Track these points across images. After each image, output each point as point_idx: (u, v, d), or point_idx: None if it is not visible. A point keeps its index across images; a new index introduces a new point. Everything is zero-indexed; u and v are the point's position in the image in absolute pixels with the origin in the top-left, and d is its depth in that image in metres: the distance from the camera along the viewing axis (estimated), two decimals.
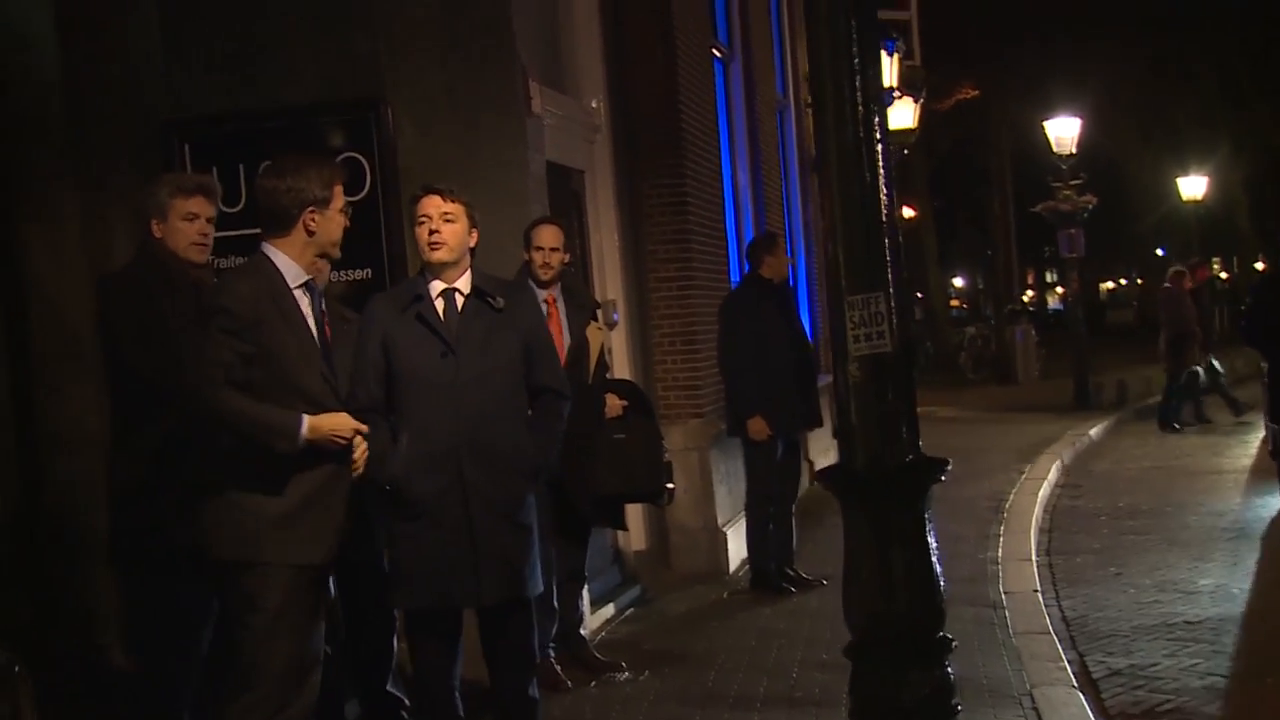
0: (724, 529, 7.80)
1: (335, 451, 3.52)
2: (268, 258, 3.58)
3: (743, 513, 7.43)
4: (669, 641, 6.17)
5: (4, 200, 5.21)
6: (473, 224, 4.04)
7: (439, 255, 3.99)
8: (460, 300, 4.02)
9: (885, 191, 3.13)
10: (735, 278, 8.52)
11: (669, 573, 7.59)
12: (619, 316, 7.47)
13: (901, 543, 3.12)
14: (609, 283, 7.48)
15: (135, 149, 5.40)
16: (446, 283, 4.03)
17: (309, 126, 5.40)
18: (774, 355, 6.88)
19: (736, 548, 7.78)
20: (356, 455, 3.54)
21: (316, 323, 3.62)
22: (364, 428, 3.55)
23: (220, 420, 3.45)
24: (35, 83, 5.25)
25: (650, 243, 7.68)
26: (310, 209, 3.56)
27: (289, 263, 3.58)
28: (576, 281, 5.80)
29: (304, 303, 3.59)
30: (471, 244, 4.03)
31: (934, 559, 3.18)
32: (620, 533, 7.17)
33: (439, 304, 4.01)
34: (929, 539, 3.18)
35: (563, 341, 5.35)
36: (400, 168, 5.42)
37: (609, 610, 6.69)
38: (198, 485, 3.61)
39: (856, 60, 3.11)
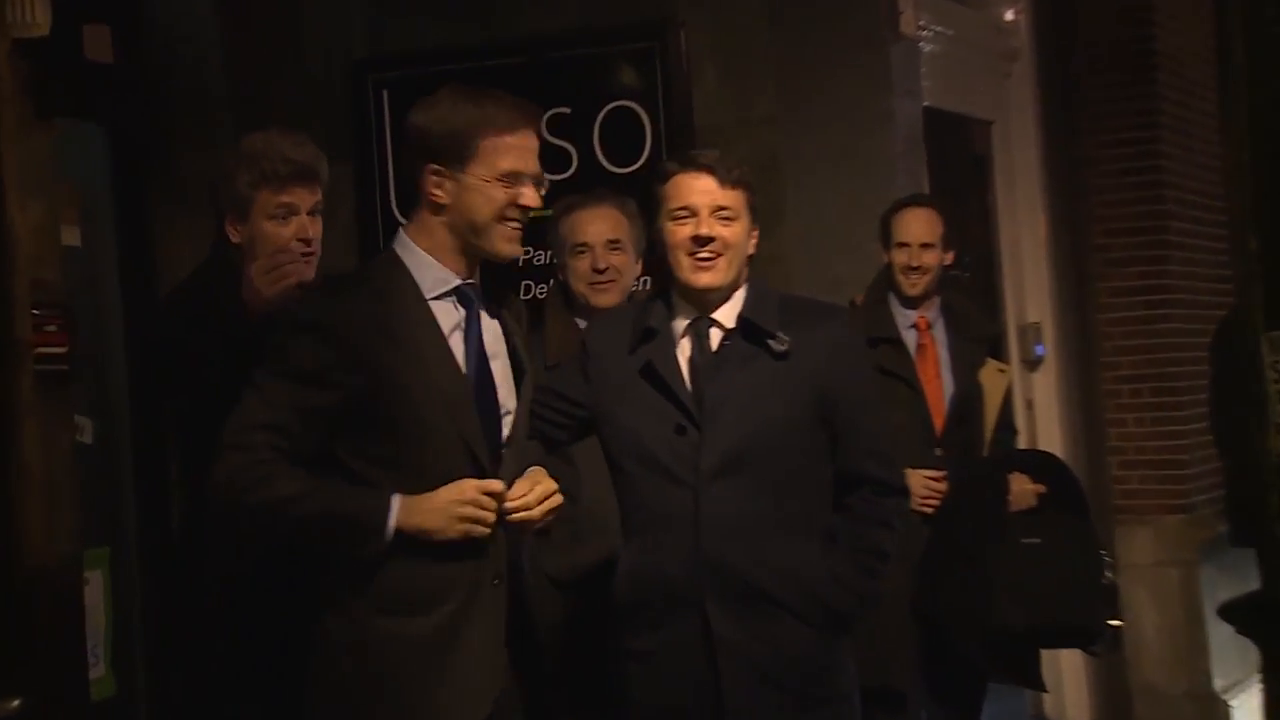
0: (1225, 696, 7.56)
1: (475, 547, 3.40)
2: (396, 256, 3.53)
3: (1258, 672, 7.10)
4: None
5: (141, 172, 5.69)
6: (754, 219, 3.90)
7: (708, 279, 3.83)
8: (717, 339, 3.86)
9: None
10: None
11: None
12: (1045, 350, 7.41)
13: None
14: (1029, 297, 7.47)
15: (320, 103, 5.77)
16: (701, 310, 3.88)
17: (558, 65, 5.59)
18: None
19: None
20: (512, 506, 3.42)
21: (477, 357, 3.50)
22: (496, 485, 3.40)
23: (258, 515, 3.39)
24: (187, 37, 5.71)
25: (1100, 234, 7.59)
26: (432, 165, 3.46)
27: (425, 260, 3.49)
28: (964, 298, 5.73)
29: (447, 320, 3.48)
30: (749, 250, 3.89)
31: None
32: (1052, 699, 7.15)
33: (683, 345, 3.86)
34: None
35: (941, 389, 5.34)
36: (697, 125, 5.53)
37: None
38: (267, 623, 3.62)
39: None
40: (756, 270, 3.96)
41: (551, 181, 5.32)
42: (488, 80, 5.44)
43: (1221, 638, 7.44)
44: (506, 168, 3.45)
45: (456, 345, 3.47)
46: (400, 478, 3.38)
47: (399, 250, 3.51)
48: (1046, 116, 7.51)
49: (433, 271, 3.47)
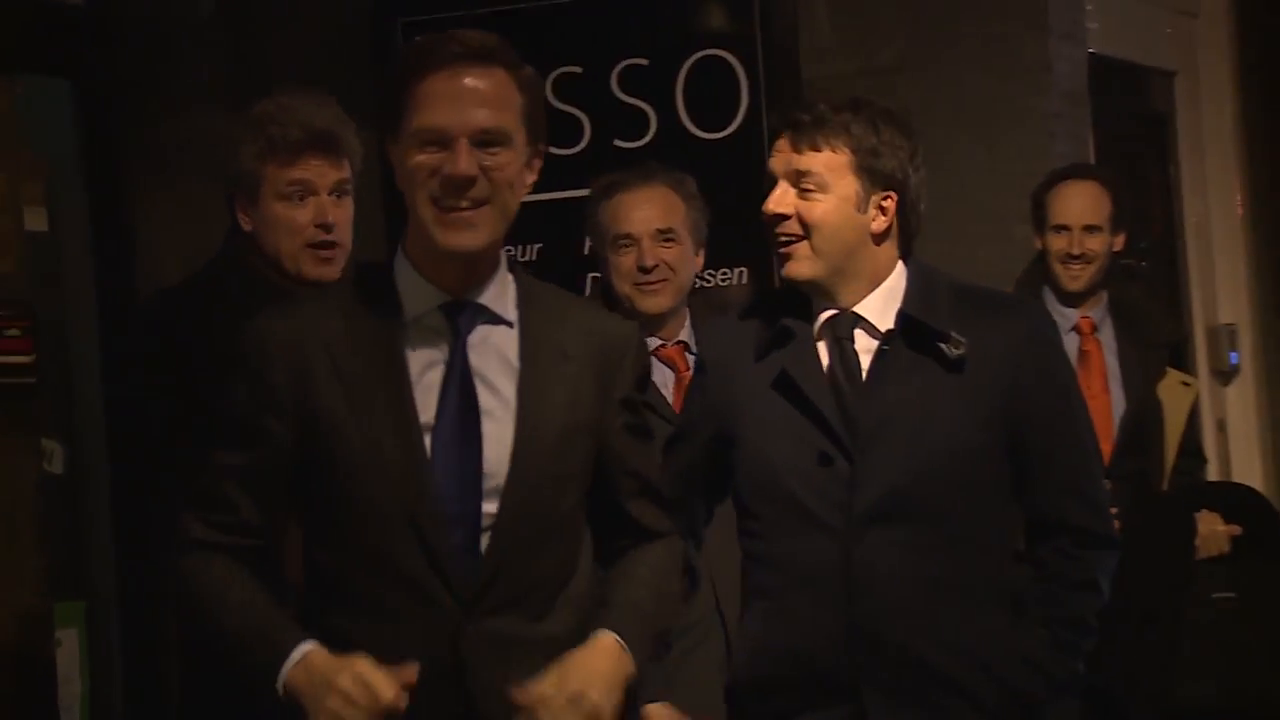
0: None
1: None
2: (388, 264, 3.27)
3: None
4: None
5: (118, 141, 5.78)
6: (871, 184, 3.66)
7: (791, 269, 3.68)
8: (870, 342, 3.71)
9: None
10: None
11: None
12: (1240, 358, 7.43)
13: None
14: (1222, 292, 7.50)
15: (337, 54, 5.86)
16: (841, 304, 3.72)
17: (632, 4, 5.67)
18: None
19: None
20: None
21: (454, 399, 3.17)
22: (384, 687, 2.99)
23: (185, 609, 3.36)
24: None
25: None
26: (388, 140, 3.18)
27: (407, 270, 3.22)
28: (1140, 294, 5.80)
29: (424, 354, 3.19)
30: (874, 229, 3.67)
31: None
32: None
33: (823, 349, 3.72)
34: None
35: (1109, 406, 5.35)
36: (805, 77, 5.59)
37: None
38: None
39: None
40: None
41: (627, 150, 5.60)
42: (546, 23, 5.65)
43: None
44: (420, 124, 3.08)
45: (428, 388, 3.16)
46: (340, 561, 3.19)
47: (396, 256, 3.25)
48: (1244, 65, 7.50)
49: (415, 285, 3.19)
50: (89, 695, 5.29)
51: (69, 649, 5.15)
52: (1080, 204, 5.33)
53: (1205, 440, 6.88)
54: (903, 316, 3.66)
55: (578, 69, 5.67)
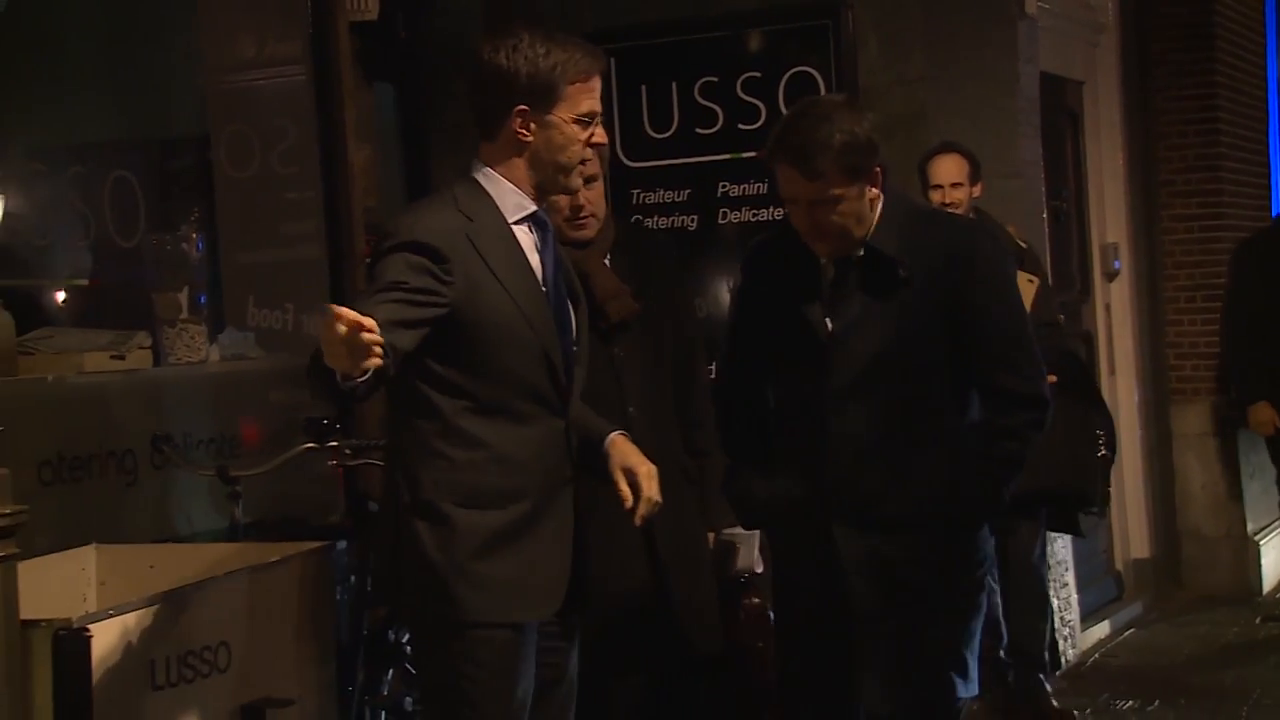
0: (1256, 538, 7.66)
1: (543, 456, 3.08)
2: (476, 183, 3.10)
3: None
4: (1181, 671, 6.23)
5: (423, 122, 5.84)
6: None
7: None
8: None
9: None
10: None
11: (1180, 591, 7.59)
12: (1121, 264, 7.45)
13: None
14: (1110, 222, 7.47)
15: None
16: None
17: (751, 38, 5.73)
18: None
19: (1275, 562, 7.65)
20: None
21: (554, 278, 3.15)
22: (344, 325, 2.61)
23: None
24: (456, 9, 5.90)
25: (1165, 171, 7.60)
26: (520, 106, 3.02)
27: (507, 187, 3.09)
28: (995, 220, 5.62)
29: (526, 242, 3.12)
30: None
31: None
32: (1119, 539, 7.34)
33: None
34: None
35: None
36: (861, 85, 5.64)
37: (1103, 629, 6.85)
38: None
39: None
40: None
41: (743, 130, 5.59)
42: (700, 49, 5.68)
43: (1254, 493, 7.65)
44: (586, 109, 3.08)
45: (535, 264, 3.12)
46: (482, 383, 3.02)
47: (479, 178, 3.11)
48: (1126, 77, 7.54)
49: (513, 198, 3.09)
50: None
51: None
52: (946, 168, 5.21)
53: (1096, 318, 7.15)
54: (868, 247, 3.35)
55: (715, 78, 5.67)
